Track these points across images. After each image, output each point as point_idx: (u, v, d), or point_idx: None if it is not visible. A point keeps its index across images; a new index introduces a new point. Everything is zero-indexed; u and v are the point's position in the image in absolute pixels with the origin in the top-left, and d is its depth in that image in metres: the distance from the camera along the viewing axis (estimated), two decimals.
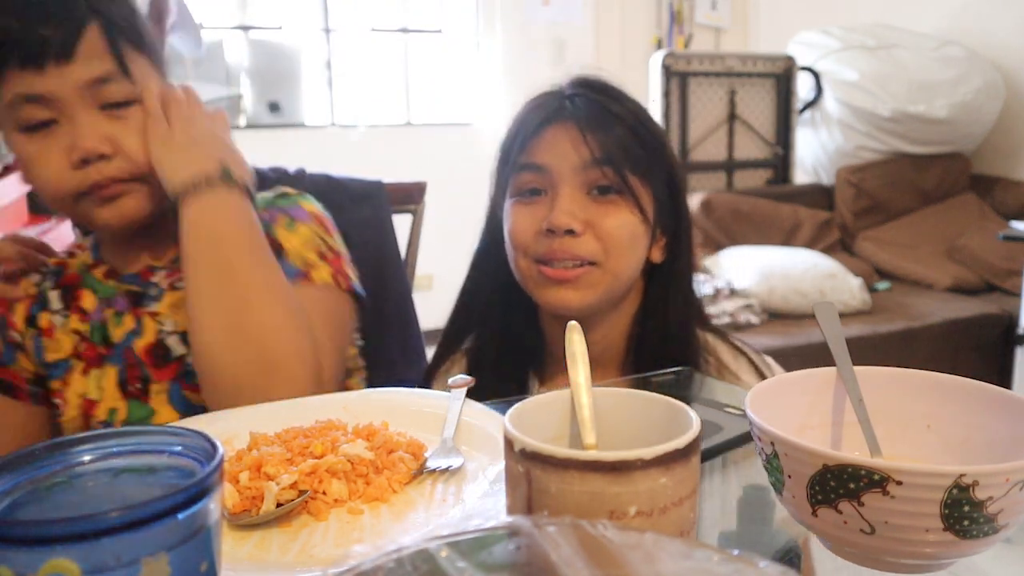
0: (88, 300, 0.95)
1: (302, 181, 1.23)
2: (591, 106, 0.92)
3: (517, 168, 0.93)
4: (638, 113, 0.95)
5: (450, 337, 1.05)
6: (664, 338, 0.97)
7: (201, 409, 0.87)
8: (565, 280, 0.90)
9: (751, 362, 0.99)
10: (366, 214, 1.27)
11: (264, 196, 0.99)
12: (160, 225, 0.91)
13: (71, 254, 1.01)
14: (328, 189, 1.26)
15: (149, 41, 0.89)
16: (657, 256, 0.97)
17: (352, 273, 0.98)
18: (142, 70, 0.87)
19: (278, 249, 0.91)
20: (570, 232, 0.88)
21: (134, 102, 0.85)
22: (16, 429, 0.98)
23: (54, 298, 0.96)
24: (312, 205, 0.98)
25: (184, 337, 0.91)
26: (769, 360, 1.01)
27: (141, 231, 0.92)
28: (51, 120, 0.82)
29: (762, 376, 0.98)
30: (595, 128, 0.90)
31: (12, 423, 0.98)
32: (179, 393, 0.92)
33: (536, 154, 0.92)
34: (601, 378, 0.99)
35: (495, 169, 0.99)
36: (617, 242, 0.90)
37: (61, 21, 0.80)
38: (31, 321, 0.96)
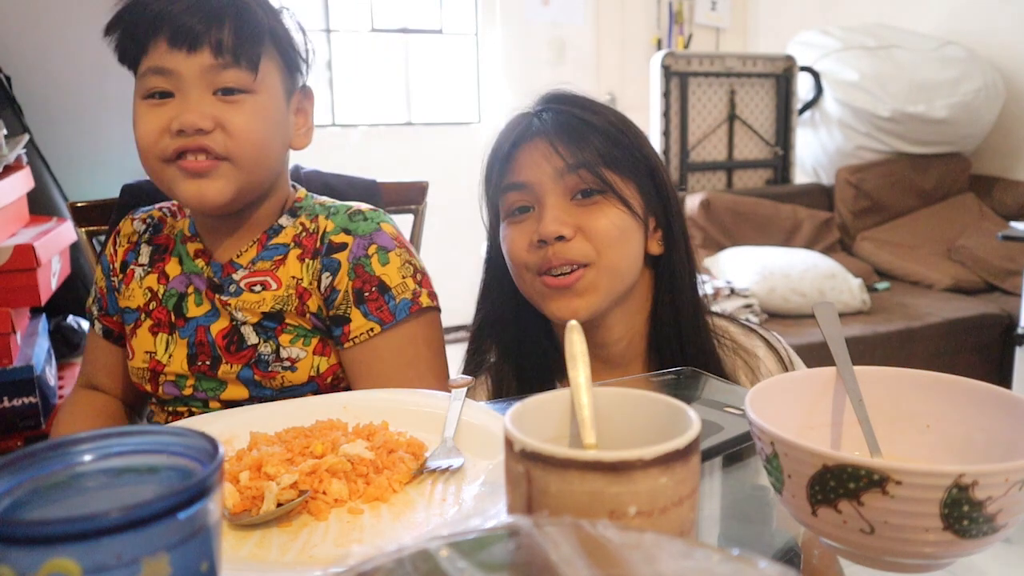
0: (173, 267, 1.01)
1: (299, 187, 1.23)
2: (559, 118, 0.94)
3: (501, 191, 0.96)
4: (611, 117, 0.96)
5: (470, 367, 1.06)
6: (679, 328, 0.98)
7: (270, 393, 0.94)
8: (566, 287, 0.91)
9: (763, 339, 1.02)
10: None
11: (328, 208, 1.01)
12: (242, 222, 0.98)
13: (173, 213, 1.07)
14: (326, 195, 1.26)
15: (287, 50, 0.96)
16: (655, 248, 0.98)
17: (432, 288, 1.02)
18: (269, 69, 0.93)
19: (381, 285, 0.95)
20: (560, 238, 0.90)
21: (248, 92, 0.90)
22: (125, 376, 1.07)
23: (144, 252, 1.04)
24: (391, 226, 1.00)
25: (257, 328, 0.96)
26: (778, 336, 1.04)
27: (226, 222, 0.98)
28: (168, 93, 0.89)
29: (776, 351, 1.01)
30: (564, 137, 0.92)
31: (120, 370, 1.08)
32: (250, 375, 0.96)
33: (515, 174, 0.94)
34: (625, 375, 1.01)
35: (482, 197, 1.01)
36: (607, 239, 0.91)
37: (213, 17, 0.88)
38: (124, 267, 1.04)
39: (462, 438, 0.67)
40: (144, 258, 1.04)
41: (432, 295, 0.99)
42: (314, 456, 0.62)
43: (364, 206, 1.02)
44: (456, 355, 1.10)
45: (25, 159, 1.66)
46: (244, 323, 0.96)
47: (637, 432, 0.46)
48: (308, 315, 0.96)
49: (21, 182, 1.57)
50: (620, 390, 0.49)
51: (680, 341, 0.98)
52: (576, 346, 0.50)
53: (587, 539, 0.31)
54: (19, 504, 0.36)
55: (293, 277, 0.96)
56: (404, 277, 0.96)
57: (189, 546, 0.33)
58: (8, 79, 1.81)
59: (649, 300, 1.00)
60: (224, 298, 0.97)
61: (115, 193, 1.23)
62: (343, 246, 0.96)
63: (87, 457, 0.39)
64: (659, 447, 0.38)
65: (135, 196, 1.19)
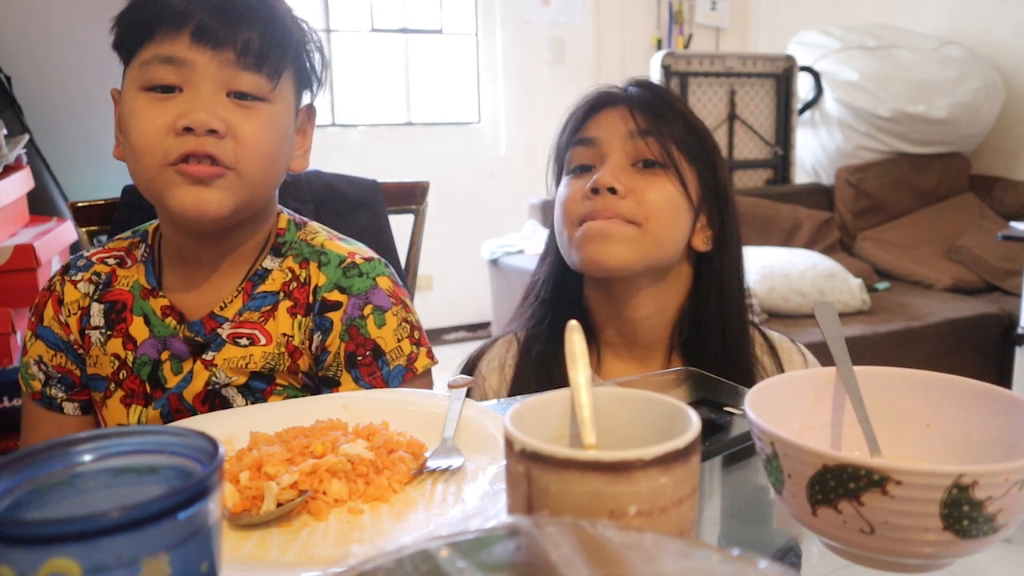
0: (139, 330, 0.90)
1: (301, 189, 1.22)
2: (644, 93, 0.99)
3: (571, 145, 1.00)
4: (688, 111, 1.01)
5: (516, 319, 1.08)
6: (723, 330, 0.99)
7: None
8: (604, 235, 0.93)
9: (801, 353, 1.04)
10: (365, 220, 1.27)
11: (319, 254, 0.91)
12: (224, 257, 0.90)
13: (122, 260, 0.94)
14: (328, 198, 1.26)
15: (304, 66, 0.89)
16: (701, 244, 1.00)
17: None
18: (285, 82, 0.86)
19: (375, 349, 0.88)
20: (612, 191, 0.93)
21: (264, 100, 0.83)
22: None
23: (96, 312, 0.92)
24: (388, 280, 0.91)
25: (243, 390, 0.88)
26: (805, 351, 1.05)
27: (206, 254, 0.89)
28: (175, 87, 0.80)
29: (779, 366, 1.03)
30: (645, 108, 0.96)
31: None
32: None
33: (588, 130, 0.99)
34: (646, 361, 1.03)
35: (551, 159, 1.04)
36: (658, 209, 0.94)
37: (244, 16, 0.81)
38: (81, 335, 0.93)
39: (462, 438, 0.67)
40: (98, 319, 0.91)
41: (430, 353, 0.92)
42: (314, 456, 0.62)
43: (359, 254, 0.92)
44: (457, 355, 1.10)
45: (25, 159, 1.66)
46: (227, 384, 0.87)
47: (637, 432, 0.46)
48: (299, 374, 0.89)
49: (21, 182, 1.58)
50: (620, 390, 0.49)
51: (723, 345, 0.99)
52: (576, 346, 0.50)
53: (587, 539, 0.31)
54: (19, 504, 0.36)
55: (284, 334, 0.88)
56: (400, 340, 0.89)
57: (189, 546, 0.33)
58: (8, 79, 1.81)
59: (684, 294, 1.01)
60: (208, 357, 0.88)
61: (115, 193, 1.23)
62: (337, 305, 0.88)
63: (87, 457, 0.39)
64: (659, 447, 0.38)
65: (136, 196, 1.19)
